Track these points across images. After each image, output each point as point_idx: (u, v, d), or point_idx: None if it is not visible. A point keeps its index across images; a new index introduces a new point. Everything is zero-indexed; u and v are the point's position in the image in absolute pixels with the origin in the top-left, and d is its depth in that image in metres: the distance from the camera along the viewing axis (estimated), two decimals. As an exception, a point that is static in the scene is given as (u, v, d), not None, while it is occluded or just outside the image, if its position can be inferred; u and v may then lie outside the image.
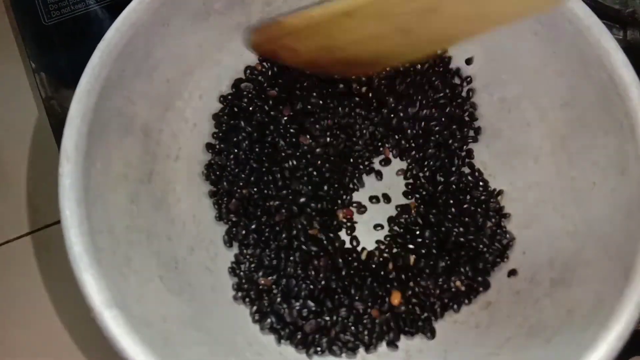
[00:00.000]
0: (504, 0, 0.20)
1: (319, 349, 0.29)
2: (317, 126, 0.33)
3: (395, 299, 0.30)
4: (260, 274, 0.31)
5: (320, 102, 0.33)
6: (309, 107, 0.33)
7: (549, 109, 0.31)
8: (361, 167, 0.34)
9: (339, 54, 0.25)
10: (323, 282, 0.30)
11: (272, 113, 0.33)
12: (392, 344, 0.30)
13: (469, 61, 0.34)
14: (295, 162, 0.32)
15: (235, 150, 0.33)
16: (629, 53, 0.27)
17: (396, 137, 0.34)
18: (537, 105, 0.32)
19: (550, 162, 0.31)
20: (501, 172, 0.33)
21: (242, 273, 0.31)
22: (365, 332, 0.30)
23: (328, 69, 0.29)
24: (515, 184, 0.33)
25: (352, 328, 0.30)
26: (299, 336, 0.29)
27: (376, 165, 0.34)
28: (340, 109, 0.33)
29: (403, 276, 0.31)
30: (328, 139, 0.33)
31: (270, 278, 0.30)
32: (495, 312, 0.30)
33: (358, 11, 0.23)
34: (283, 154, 0.32)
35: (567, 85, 0.30)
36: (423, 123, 0.34)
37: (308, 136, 0.33)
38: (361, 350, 0.30)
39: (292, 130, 0.33)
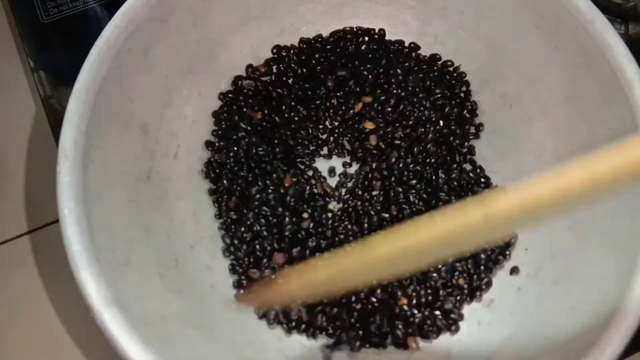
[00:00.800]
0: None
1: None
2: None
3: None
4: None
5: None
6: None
7: (551, 104, 0.31)
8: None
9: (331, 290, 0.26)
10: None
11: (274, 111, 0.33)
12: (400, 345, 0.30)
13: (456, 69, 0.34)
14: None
15: (235, 148, 0.32)
16: (631, 47, 0.27)
17: (398, 138, 0.34)
18: (539, 100, 0.31)
19: (553, 157, 0.31)
20: (503, 168, 0.33)
21: (241, 270, 0.31)
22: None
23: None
24: (517, 180, 0.32)
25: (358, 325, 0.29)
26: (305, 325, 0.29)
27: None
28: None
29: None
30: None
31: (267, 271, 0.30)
32: (498, 309, 0.30)
33: (342, 274, 0.23)
34: (281, 154, 0.33)
35: (569, 79, 0.29)
36: (422, 123, 0.33)
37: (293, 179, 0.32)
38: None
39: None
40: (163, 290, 0.27)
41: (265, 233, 0.31)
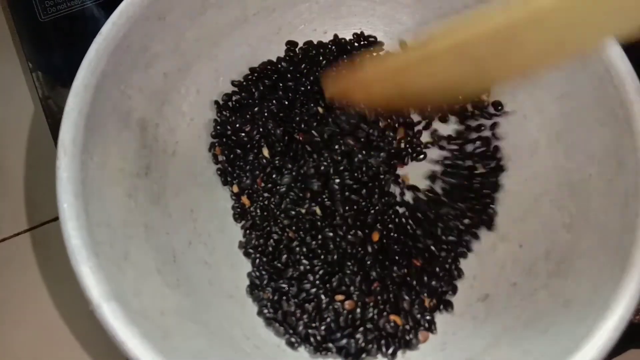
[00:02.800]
0: (581, 30, 0.20)
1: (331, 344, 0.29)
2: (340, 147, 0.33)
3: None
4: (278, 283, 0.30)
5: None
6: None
7: (546, 102, 0.31)
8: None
9: (410, 92, 0.26)
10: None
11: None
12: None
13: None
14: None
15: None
16: (624, 46, 0.27)
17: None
18: (533, 97, 0.32)
19: (547, 154, 0.31)
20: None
21: (263, 295, 0.30)
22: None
23: (392, 104, 0.30)
24: (511, 177, 0.33)
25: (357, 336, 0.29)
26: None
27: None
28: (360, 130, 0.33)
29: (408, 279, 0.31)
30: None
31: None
32: (493, 304, 0.30)
33: (437, 57, 0.24)
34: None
35: (563, 77, 0.30)
36: None
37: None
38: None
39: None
40: (161, 285, 0.27)
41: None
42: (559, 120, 0.30)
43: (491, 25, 0.21)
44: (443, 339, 0.29)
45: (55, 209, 0.24)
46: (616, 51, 0.27)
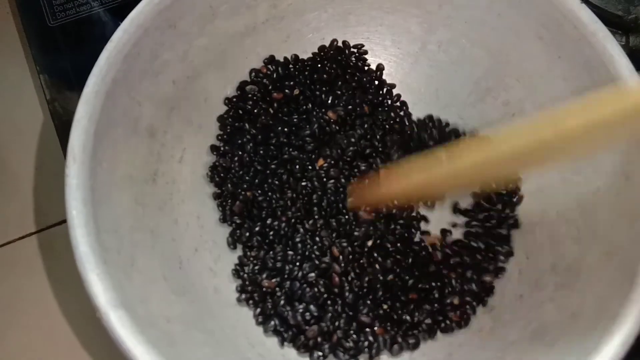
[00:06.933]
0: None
1: (320, 353, 0.29)
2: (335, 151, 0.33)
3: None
4: (264, 276, 0.31)
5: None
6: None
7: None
8: None
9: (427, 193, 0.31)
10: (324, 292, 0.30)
11: (278, 115, 0.33)
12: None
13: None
14: (299, 167, 0.32)
15: (240, 153, 0.33)
16: (632, 59, 0.27)
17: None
18: (541, 109, 0.32)
19: (555, 167, 0.31)
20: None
21: (245, 275, 0.31)
22: (366, 344, 0.30)
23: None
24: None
25: (354, 336, 0.30)
26: (301, 340, 0.29)
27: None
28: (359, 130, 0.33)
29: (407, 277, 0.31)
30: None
31: (274, 280, 0.30)
32: (499, 316, 0.30)
33: (462, 173, 0.26)
34: (287, 156, 0.33)
35: (571, 89, 0.30)
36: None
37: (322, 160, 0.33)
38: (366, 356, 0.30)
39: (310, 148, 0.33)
40: (167, 292, 0.27)
41: (271, 237, 0.31)
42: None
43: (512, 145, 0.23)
44: (449, 350, 0.29)
45: (62, 212, 0.24)
46: (625, 65, 0.27)
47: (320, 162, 0.33)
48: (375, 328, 0.30)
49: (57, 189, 0.25)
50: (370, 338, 0.29)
